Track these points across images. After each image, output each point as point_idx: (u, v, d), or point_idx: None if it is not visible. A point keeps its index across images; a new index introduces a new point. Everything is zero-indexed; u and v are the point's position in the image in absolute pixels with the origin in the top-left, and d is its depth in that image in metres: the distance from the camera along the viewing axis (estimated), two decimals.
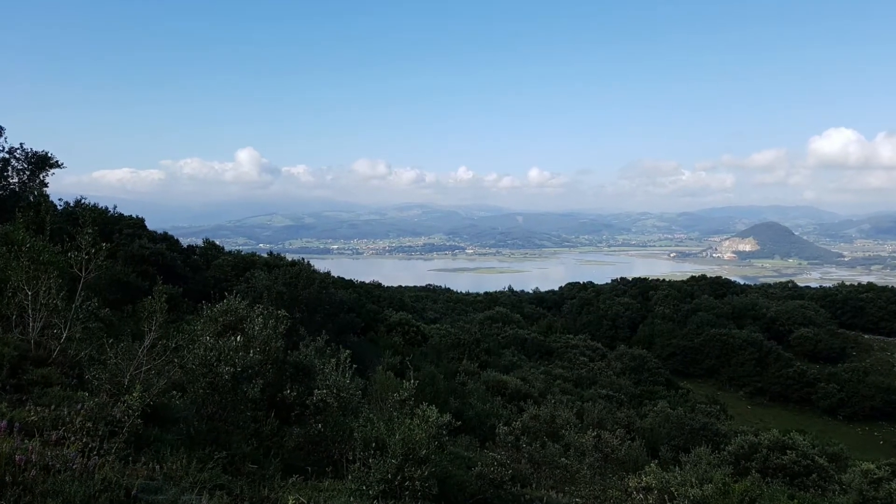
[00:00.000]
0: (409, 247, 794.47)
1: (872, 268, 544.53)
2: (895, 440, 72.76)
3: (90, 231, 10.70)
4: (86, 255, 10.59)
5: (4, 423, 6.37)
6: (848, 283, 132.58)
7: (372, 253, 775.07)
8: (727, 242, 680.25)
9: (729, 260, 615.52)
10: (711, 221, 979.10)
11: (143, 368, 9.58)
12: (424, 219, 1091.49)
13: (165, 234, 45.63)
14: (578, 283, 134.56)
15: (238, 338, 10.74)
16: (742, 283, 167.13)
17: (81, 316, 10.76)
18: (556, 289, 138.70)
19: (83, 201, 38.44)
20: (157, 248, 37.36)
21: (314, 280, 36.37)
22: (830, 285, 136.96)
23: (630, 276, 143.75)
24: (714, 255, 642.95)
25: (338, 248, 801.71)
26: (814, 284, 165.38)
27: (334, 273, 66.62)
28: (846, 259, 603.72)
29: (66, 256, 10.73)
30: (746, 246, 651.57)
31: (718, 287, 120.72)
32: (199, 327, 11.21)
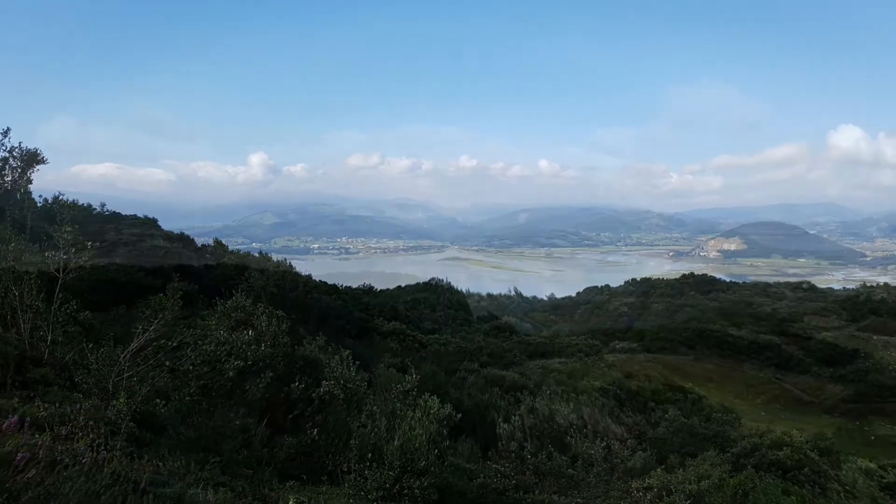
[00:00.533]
0: (406, 248, 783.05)
1: (889, 267, 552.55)
2: (886, 433, 75.51)
3: (69, 230, 10.42)
4: (64, 254, 10.30)
5: (16, 418, 6.70)
6: (868, 285, 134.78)
7: (373, 252, 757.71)
8: (713, 242, 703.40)
9: (714, 258, 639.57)
10: (701, 223, 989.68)
11: (125, 375, 9.34)
12: (426, 223, 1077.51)
13: (182, 233, 47.19)
14: (596, 286, 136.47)
15: (250, 332, 10.98)
16: (727, 280, 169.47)
17: (61, 319, 10.46)
18: (574, 294, 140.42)
19: (62, 198, 38.49)
20: (173, 247, 38.34)
21: (298, 283, 36.86)
22: (853, 287, 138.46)
23: (639, 276, 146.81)
24: (701, 253, 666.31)
25: (318, 248, 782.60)
26: (836, 286, 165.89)
27: (317, 275, 66.10)
28: (868, 259, 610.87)
29: (44, 256, 10.52)
30: (731, 245, 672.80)
31: (705, 284, 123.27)
32: (213, 322, 11.44)
